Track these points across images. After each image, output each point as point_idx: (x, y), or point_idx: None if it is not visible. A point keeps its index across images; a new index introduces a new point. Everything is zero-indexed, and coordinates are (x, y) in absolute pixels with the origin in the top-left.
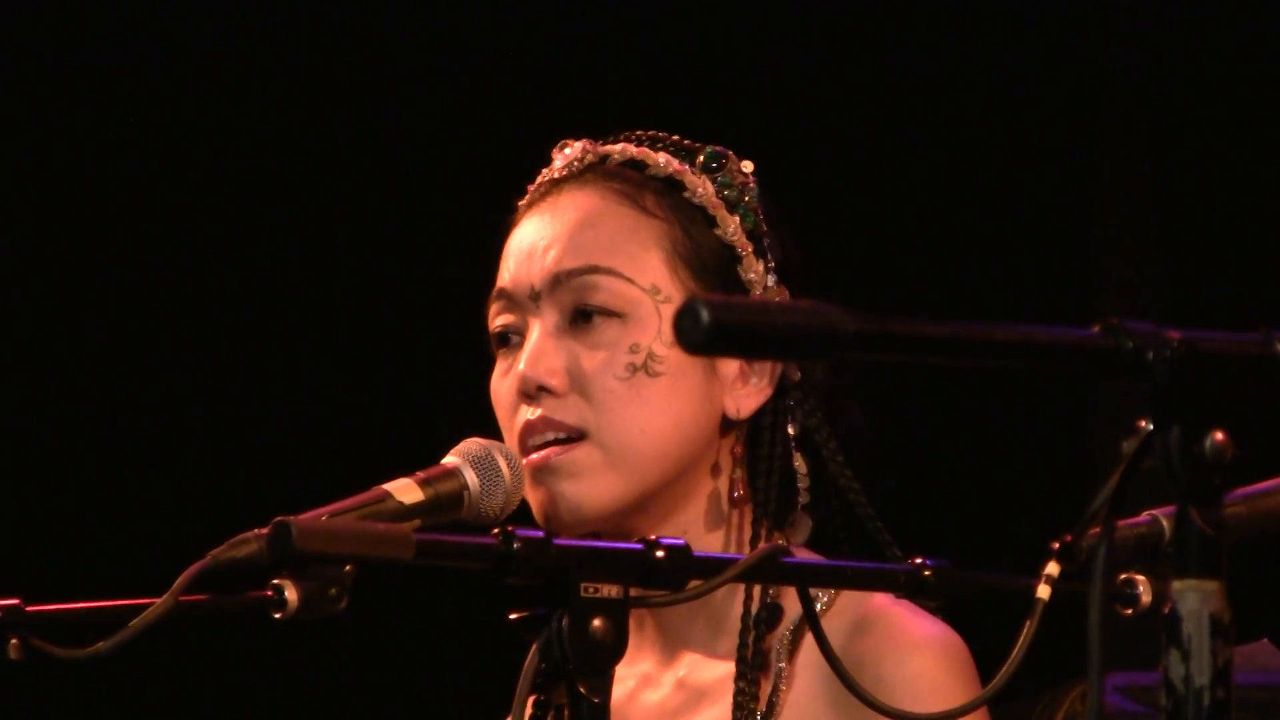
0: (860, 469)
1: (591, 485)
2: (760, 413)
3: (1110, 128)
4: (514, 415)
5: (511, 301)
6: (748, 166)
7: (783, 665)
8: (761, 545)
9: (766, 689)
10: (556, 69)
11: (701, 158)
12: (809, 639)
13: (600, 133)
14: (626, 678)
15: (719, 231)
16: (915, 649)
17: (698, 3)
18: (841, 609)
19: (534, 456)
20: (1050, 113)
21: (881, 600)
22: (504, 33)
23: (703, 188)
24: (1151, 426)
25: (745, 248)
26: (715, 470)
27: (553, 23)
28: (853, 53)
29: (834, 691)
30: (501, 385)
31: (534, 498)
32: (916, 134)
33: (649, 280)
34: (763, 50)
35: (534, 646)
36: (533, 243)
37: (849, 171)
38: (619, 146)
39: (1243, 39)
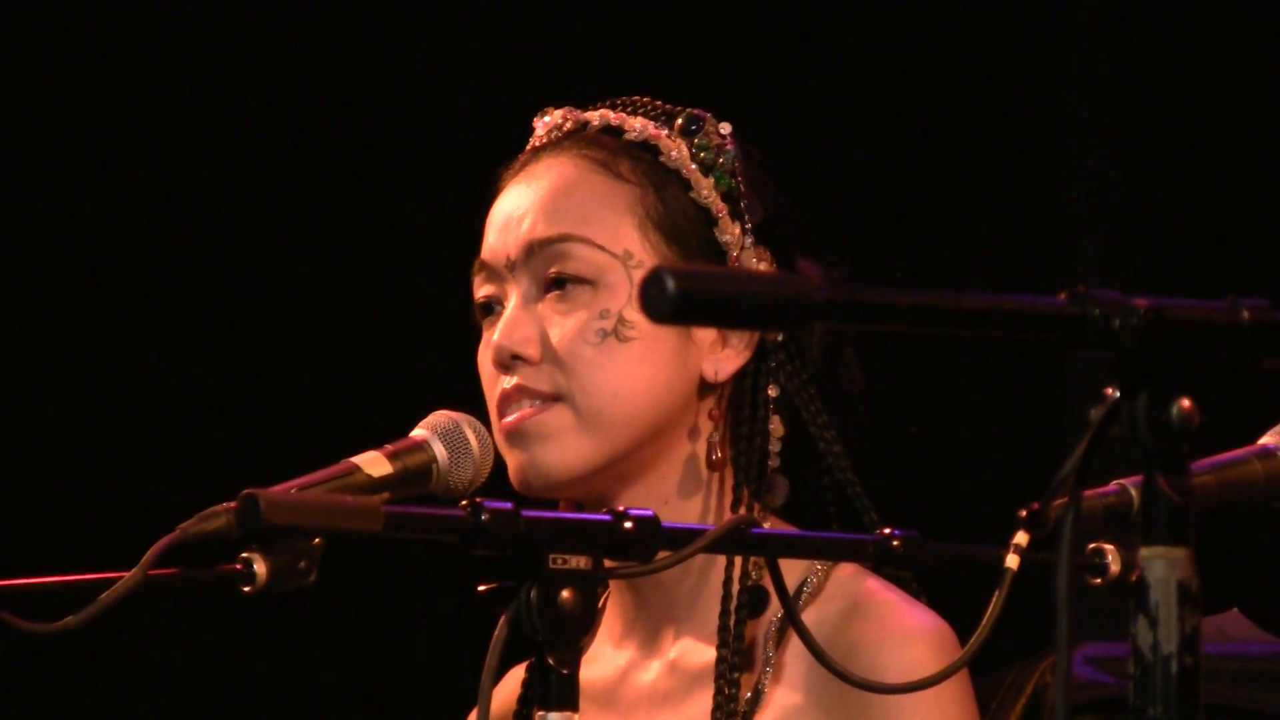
0: (853, 430)
1: (562, 448)
2: (741, 375)
3: (1079, 95)
4: (494, 384)
5: (491, 272)
6: (726, 128)
7: (771, 653)
8: (729, 516)
9: (753, 677)
10: (543, 38)
11: (680, 121)
12: None
13: (589, 100)
14: (616, 659)
15: (694, 194)
16: (910, 638)
17: None
18: (831, 594)
19: (508, 419)
20: (1021, 81)
21: (873, 585)
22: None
23: (677, 151)
24: (1119, 394)
25: (721, 210)
26: (693, 433)
27: None
28: (827, 23)
29: (823, 682)
30: (484, 356)
31: (509, 462)
32: (889, 103)
33: (621, 246)
34: (739, 17)
35: (503, 618)
36: (509, 213)
37: (824, 140)
38: (598, 113)
39: (1210, 8)
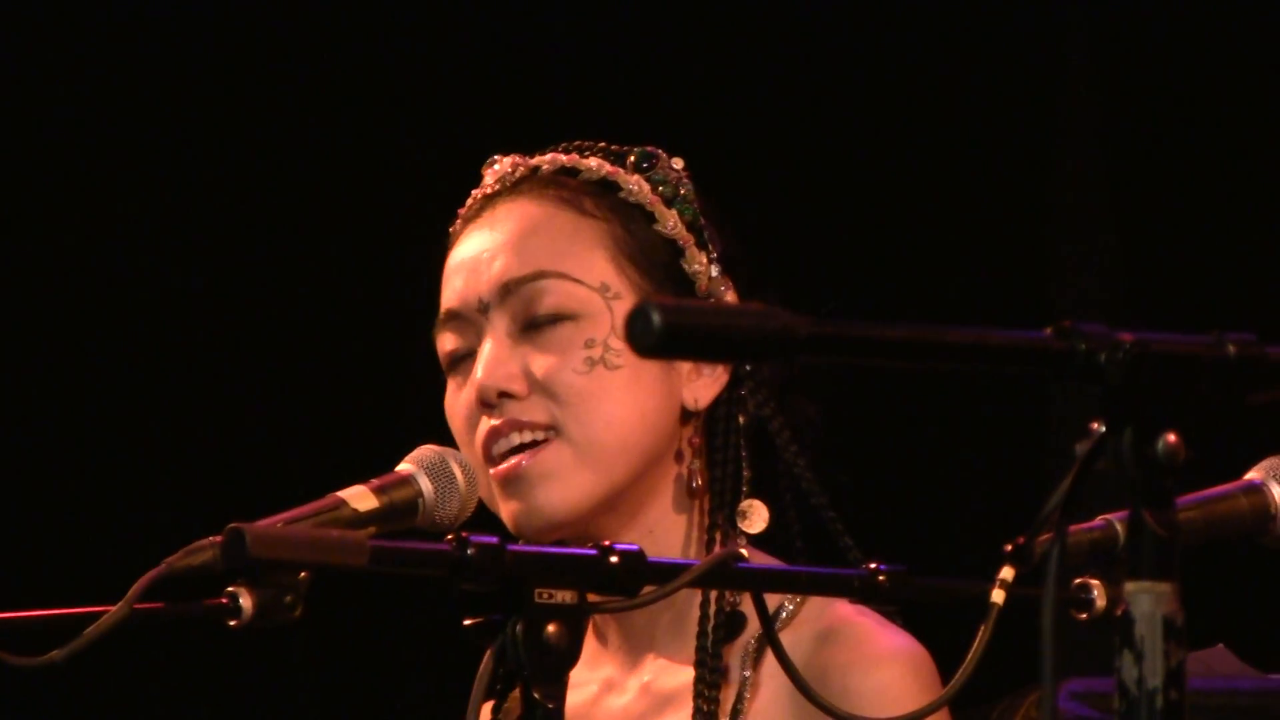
0: (813, 462)
1: (564, 486)
2: (716, 403)
3: (1067, 128)
4: (473, 429)
5: (460, 320)
6: (678, 163)
7: (748, 674)
8: (717, 549)
9: (731, 697)
10: (504, 80)
11: (632, 158)
12: None
13: (530, 146)
14: (589, 683)
15: (659, 227)
16: (882, 661)
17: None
18: (806, 618)
19: (502, 466)
20: (1007, 111)
21: (847, 610)
22: (469, 37)
23: (638, 186)
24: (1104, 428)
25: (687, 240)
26: (677, 462)
27: (495, 35)
28: (807, 47)
29: (799, 701)
30: (457, 400)
31: (505, 509)
32: (873, 132)
33: (597, 279)
34: (709, 40)
35: (489, 652)
36: (475, 256)
37: (805, 170)
38: (548, 157)
39: (1198, 30)
